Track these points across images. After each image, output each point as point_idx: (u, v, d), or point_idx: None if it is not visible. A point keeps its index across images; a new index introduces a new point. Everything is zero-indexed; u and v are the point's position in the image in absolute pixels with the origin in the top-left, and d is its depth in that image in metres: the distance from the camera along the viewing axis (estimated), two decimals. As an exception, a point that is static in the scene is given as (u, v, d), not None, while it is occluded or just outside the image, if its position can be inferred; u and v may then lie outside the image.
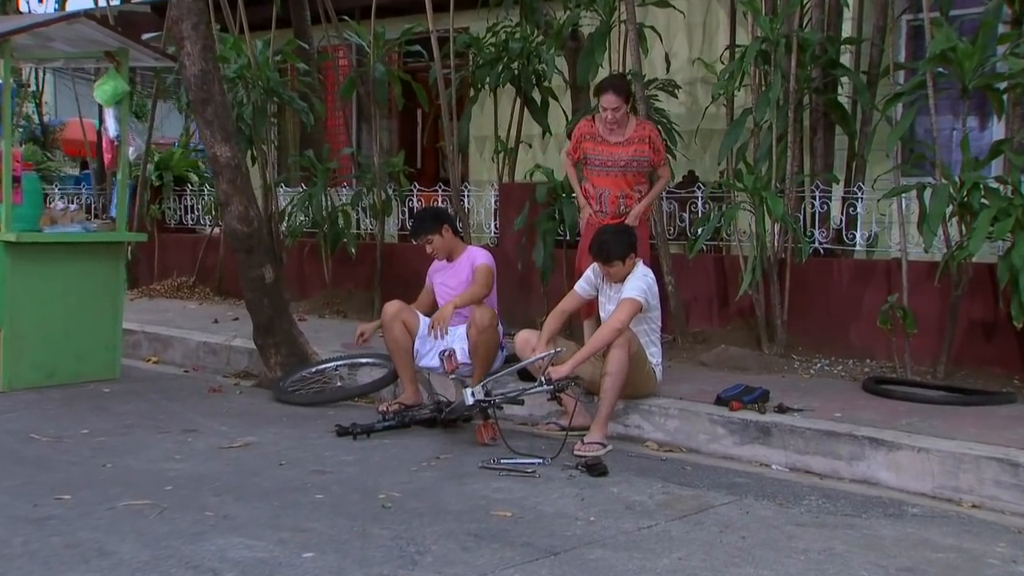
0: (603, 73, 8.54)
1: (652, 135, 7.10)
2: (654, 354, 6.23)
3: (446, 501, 4.78)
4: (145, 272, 12.43)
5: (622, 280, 6.12)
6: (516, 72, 9.38)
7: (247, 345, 8.01)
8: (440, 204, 10.11)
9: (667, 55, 9.11)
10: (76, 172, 16.26)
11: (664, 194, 8.44)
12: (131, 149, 7.97)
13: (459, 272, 6.86)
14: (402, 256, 10.11)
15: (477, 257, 6.88)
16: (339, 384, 7.39)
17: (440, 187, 10.07)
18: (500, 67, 9.38)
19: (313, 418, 6.58)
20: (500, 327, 6.62)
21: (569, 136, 7.14)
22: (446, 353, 6.09)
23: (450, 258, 6.91)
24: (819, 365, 7.28)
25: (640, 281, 6.04)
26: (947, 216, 6.71)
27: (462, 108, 9.93)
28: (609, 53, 8.47)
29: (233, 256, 7.65)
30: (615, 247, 6.08)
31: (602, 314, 6.27)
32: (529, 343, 6.19)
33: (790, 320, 7.51)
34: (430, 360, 6.64)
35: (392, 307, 6.71)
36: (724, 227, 7.53)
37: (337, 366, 7.52)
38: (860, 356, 7.39)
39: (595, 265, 6.30)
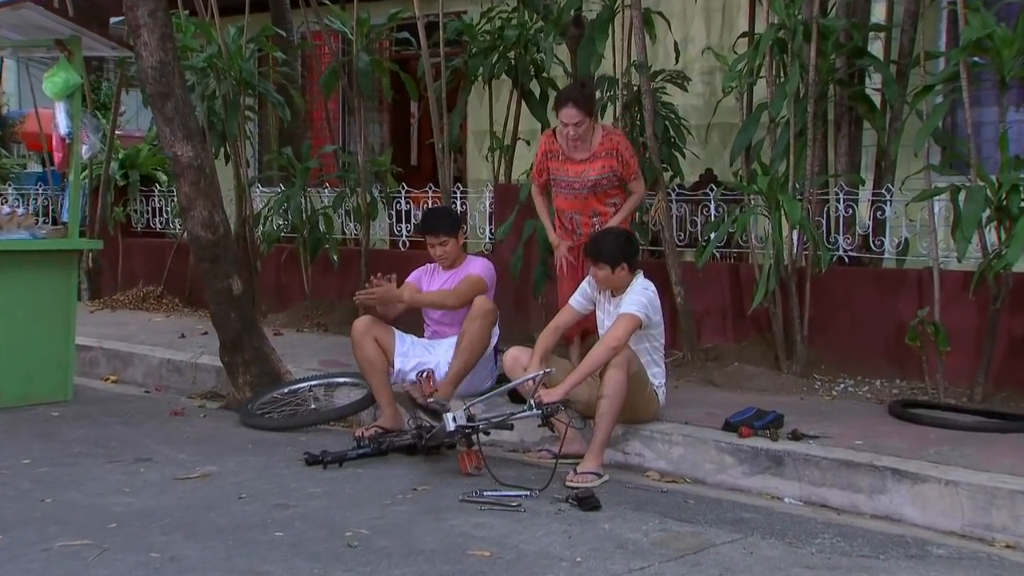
0: (607, 64, 8.51)
1: (620, 147, 6.85)
2: (656, 374, 6.19)
3: (419, 539, 4.73)
4: (108, 281, 12.42)
5: (612, 288, 6.12)
6: (513, 62, 9.35)
7: (215, 363, 7.98)
8: (432, 206, 10.08)
9: (676, 44, 9.06)
10: (39, 169, 16.23)
11: (674, 196, 8.41)
12: (84, 147, 7.96)
13: (457, 282, 6.83)
14: (390, 263, 9.96)
15: (475, 269, 6.84)
16: (313, 406, 7.36)
17: (430, 188, 10.04)
18: (495, 56, 9.35)
19: (282, 444, 6.55)
20: (497, 331, 6.55)
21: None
22: (423, 374, 6.05)
23: (451, 266, 6.89)
24: (842, 386, 7.23)
25: (640, 295, 6.01)
26: (983, 221, 6.64)
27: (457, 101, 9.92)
28: (613, 41, 8.43)
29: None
30: (606, 247, 6.07)
31: (600, 331, 6.23)
32: (519, 361, 6.15)
33: (811, 335, 7.45)
34: (408, 377, 6.61)
35: (362, 323, 6.67)
36: (737, 233, 7.47)
37: (312, 386, 7.49)
38: (888, 376, 7.33)
39: (591, 277, 6.26)
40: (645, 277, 6.20)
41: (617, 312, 5.99)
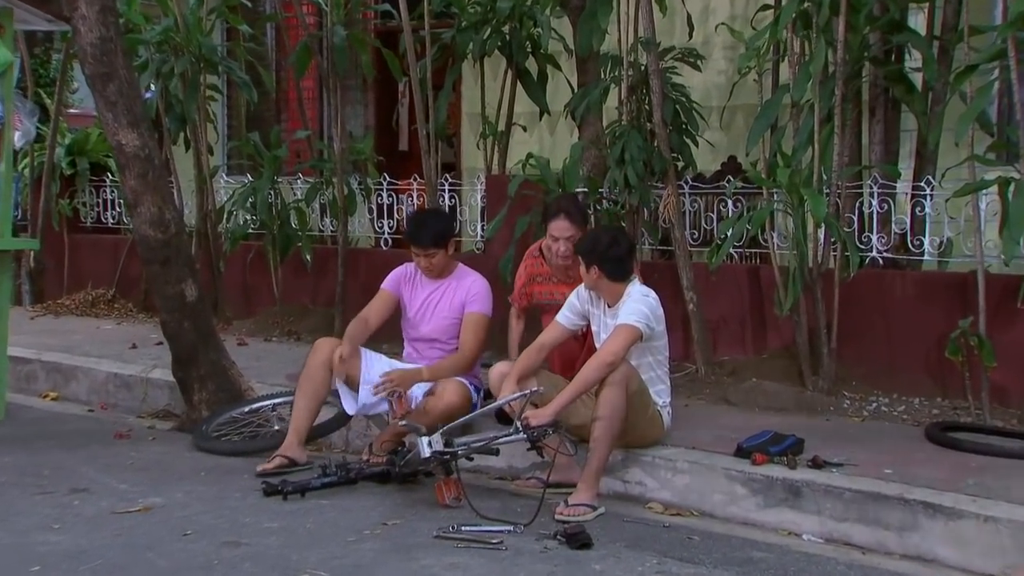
0: (612, 40, 8.47)
1: None
2: (660, 392, 6.17)
3: (384, 582, 4.72)
4: (53, 283, 12.40)
5: (601, 293, 6.11)
6: (507, 37, 9.32)
7: (168, 377, 7.96)
8: (417, 199, 10.06)
9: (690, 17, 9.01)
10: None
11: (687, 190, 8.37)
12: (17, 134, 7.95)
13: (450, 299, 6.78)
14: (370, 265, 10.05)
15: (473, 298, 6.76)
16: (277, 428, 7.30)
17: (415, 179, 10.00)
18: (487, 31, 9.33)
19: (239, 471, 6.51)
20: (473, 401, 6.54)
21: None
22: (395, 394, 6.00)
23: (439, 275, 6.82)
24: (874, 405, 7.19)
25: (639, 303, 5.98)
26: (1034, 219, 6.60)
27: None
28: (618, 14, 8.38)
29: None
30: (588, 245, 6.08)
31: (597, 346, 6.20)
32: (505, 377, 6.12)
33: (840, 347, 7.41)
34: (378, 407, 6.54)
35: (326, 347, 6.62)
36: (754, 231, 7.43)
37: (276, 405, 7.45)
38: (929, 394, 7.29)
39: (581, 288, 6.25)
40: (644, 283, 6.19)
41: (615, 324, 5.96)
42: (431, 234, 6.75)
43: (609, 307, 6.15)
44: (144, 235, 7.36)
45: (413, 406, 6.28)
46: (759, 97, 7.76)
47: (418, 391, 6.53)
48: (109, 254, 12.12)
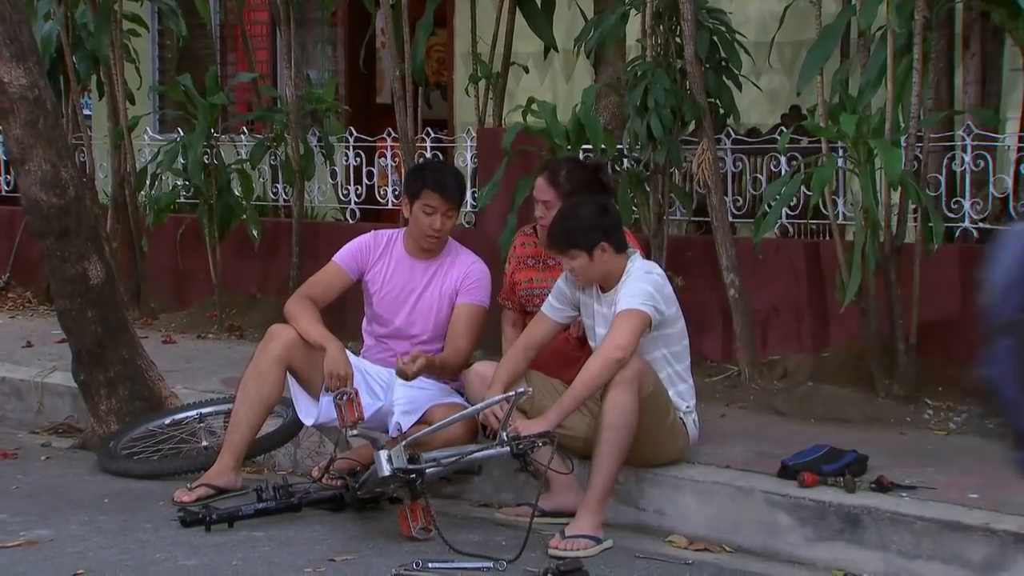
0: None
1: None
2: (683, 394, 6.21)
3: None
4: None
5: (598, 281, 6.12)
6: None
7: (70, 383, 7.96)
8: (391, 159, 10.10)
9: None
10: None
11: (729, 145, 8.38)
12: None
13: (440, 284, 6.80)
14: (333, 241, 10.00)
15: (471, 285, 6.79)
16: (205, 444, 7.35)
17: (389, 133, 10.02)
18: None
19: (153, 498, 6.55)
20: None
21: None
22: (345, 397, 6.00)
23: (428, 254, 6.83)
24: (964, 415, 7.19)
25: (641, 282, 6.00)
26: None
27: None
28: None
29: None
30: (571, 225, 6.04)
31: (592, 343, 6.24)
32: (487, 381, 6.17)
33: (921, 343, 7.43)
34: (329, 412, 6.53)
35: (283, 338, 6.60)
36: (813, 197, 7.44)
37: (203, 415, 7.49)
38: (1035, 402, 7.28)
39: (568, 273, 6.24)
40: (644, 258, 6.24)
41: (613, 313, 5.97)
42: (459, 184, 6.82)
43: (603, 292, 6.15)
44: (35, 199, 7.31)
45: (367, 416, 6.25)
46: (817, 25, 7.75)
47: (401, 417, 6.46)
48: (2, 230, 12.18)
